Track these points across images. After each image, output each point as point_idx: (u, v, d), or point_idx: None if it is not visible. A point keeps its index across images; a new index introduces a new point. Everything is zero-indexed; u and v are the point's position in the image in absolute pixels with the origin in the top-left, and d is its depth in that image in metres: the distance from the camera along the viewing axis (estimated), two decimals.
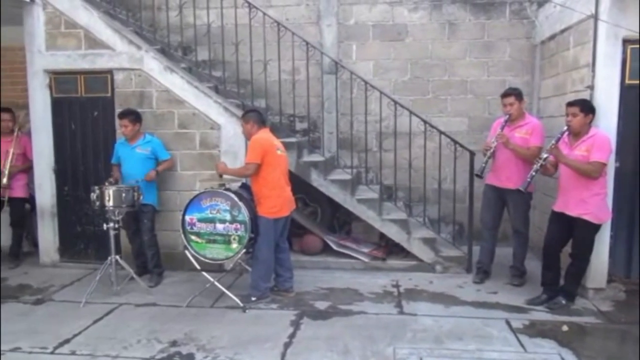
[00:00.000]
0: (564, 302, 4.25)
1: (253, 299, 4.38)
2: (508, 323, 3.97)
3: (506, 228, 5.32)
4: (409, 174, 5.46)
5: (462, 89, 6.21)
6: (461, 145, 5.22)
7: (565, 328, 3.86)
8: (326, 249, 5.57)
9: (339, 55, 6.11)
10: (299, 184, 5.13)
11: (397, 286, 4.85)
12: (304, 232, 5.65)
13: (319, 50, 5.62)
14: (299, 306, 4.35)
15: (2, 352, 3.54)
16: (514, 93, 4.71)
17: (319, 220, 5.95)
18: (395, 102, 5.27)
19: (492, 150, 4.69)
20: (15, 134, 5.53)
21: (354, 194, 5.36)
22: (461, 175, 5.40)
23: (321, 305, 4.38)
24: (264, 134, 4.35)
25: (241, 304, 4.27)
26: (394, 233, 5.28)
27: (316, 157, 5.51)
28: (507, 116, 4.70)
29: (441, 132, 5.27)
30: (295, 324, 3.98)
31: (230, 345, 3.64)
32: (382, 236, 5.57)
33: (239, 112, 5.11)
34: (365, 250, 5.44)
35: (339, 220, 6.08)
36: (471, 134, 6.13)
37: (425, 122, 5.28)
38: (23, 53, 5.58)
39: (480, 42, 6.15)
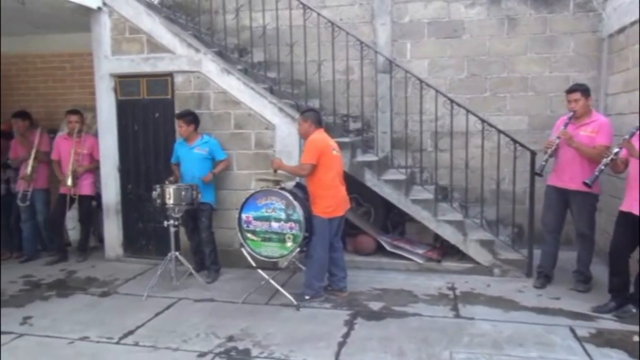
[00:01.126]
0: (634, 310, 4.00)
1: (307, 297, 4.41)
2: (572, 331, 3.78)
3: (569, 231, 5.08)
4: (466, 174, 5.32)
5: (522, 86, 5.98)
6: (521, 145, 5.02)
7: (636, 339, 3.63)
8: (379, 250, 5.53)
9: (393, 54, 6.05)
10: (352, 184, 5.11)
11: (452, 289, 4.74)
12: (358, 232, 5.63)
13: (373, 49, 5.58)
14: (352, 306, 4.34)
15: (72, 340, 3.75)
16: (580, 89, 4.48)
17: (372, 221, 5.91)
18: (452, 101, 5.15)
19: (553, 149, 4.49)
20: (82, 135, 5.83)
21: (408, 194, 5.29)
22: (521, 176, 5.21)
23: (375, 305, 4.35)
24: (320, 135, 4.37)
25: (295, 302, 4.31)
26: (449, 234, 5.17)
27: (370, 157, 5.48)
28: (572, 113, 4.49)
29: (500, 131, 5.10)
30: (349, 324, 3.97)
31: (285, 343, 3.68)
32: (437, 237, 5.46)
33: (294, 113, 5.18)
34: (420, 251, 5.35)
35: (393, 221, 6.01)
36: (532, 133, 5.89)
37: (483, 120, 5.13)
38: (91, 58, 5.90)
39: (542, 37, 5.90)
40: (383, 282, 4.92)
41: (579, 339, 3.64)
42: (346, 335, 3.78)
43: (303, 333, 3.83)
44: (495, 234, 5.24)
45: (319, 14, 5.37)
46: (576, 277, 4.67)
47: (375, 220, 5.92)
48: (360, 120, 5.97)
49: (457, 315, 4.13)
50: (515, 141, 5.03)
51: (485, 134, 5.14)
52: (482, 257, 5.09)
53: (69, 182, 5.61)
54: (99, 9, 5.50)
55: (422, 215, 5.22)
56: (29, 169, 5.76)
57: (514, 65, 5.98)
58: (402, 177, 5.33)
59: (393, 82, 5.57)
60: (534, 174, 4.80)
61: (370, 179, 5.29)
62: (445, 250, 5.42)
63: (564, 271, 4.86)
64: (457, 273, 5.14)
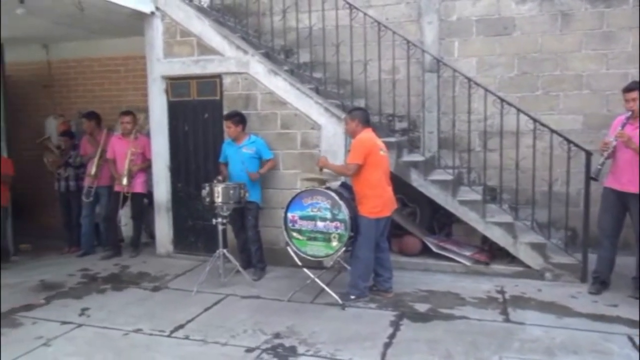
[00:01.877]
0: None
1: (352, 297, 4.41)
2: (631, 340, 3.61)
3: (628, 235, 4.84)
4: (516, 175, 5.17)
5: (576, 84, 5.76)
6: (575, 145, 4.84)
7: None
8: (425, 251, 5.46)
9: (440, 53, 5.96)
10: (398, 184, 5.06)
11: (502, 292, 4.62)
12: (403, 232, 5.58)
13: (420, 48, 5.53)
14: (398, 307, 4.31)
15: (127, 332, 3.91)
16: (639, 88, 4.27)
17: (418, 221, 5.84)
18: (502, 100, 5.02)
19: (610, 150, 4.30)
20: (134, 135, 6.06)
21: (456, 195, 5.20)
22: (575, 177, 5.01)
23: (421, 307, 4.30)
24: (368, 134, 4.36)
25: (341, 302, 4.32)
26: (498, 236, 5.04)
27: (416, 157, 5.42)
28: (630, 113, 4.28)
29: (552, 131, 4.93)
30: (395, 325, 3.95)
31: (331, 341, 3.69)
32: (485, 239, 5.34)
33: (339, 113, 5.19)
34: (467, 253, 5.24)
35: (439, 222, 5.92)
36: (586, 132, 5.66)
37: (534, 120, 4.97)
38: (143, 61, 6.12)
39: (598, 33, 5.66)
40: (429, 284, 4.85)
41: (639, 349, 3.47)
42: (392, 336, 3.75)
43: (348, 332, 3.83)
44: (547, 237, 5.07)
45: (365, 14, 5.36)
46: (636, 284, 4.45)
47: (421, 221, 5.85)
48: (406, 120, 5.92)
49: (507, 320, 4.02)
50: (569, 141, 4.85)
51: (537, 134, 4.98)
52: (533, 260, 4.94)
53: (125, 180, 5.83)
54: (152, 13, 5.70)
55: (469, 216, 5.12)
56: (95, 167, 6.04)
57: (568, 62, 5.77)
58: (449, 177, 5.25)
59: (440, 81, 5.48)
60: (589, 177, 4.61)
61: (416, 179, 5.23)
62: (494, 252, 5.29)
63: (621, 277, 4.65)
64: (506, 276, 5.00)
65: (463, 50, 6.03)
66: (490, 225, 5.06)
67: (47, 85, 7.64)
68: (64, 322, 4.10)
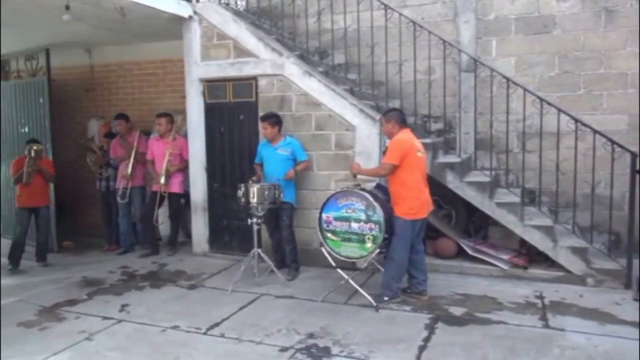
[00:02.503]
0: None
1: (385, 298, 4.38)
2: None
3: None
4: (556, 176, 5.02)
5: (621, 82, 5.55)
6: (620, 146, 4.67)
7: None
8: (460, 253, 5.38)
9: (477, 53, 5.85)
10: (433, 186, 4.96)
11: (540, 297, 4.49)
12: (438, 234, 5.50)
13: (456, 48, 5.45)
14: (433, 310, 4.26)
15: (165, 329, 4.00)
16: None
17: (453, 223, 5.76)
18: (541, 100, 4.89)
19: None
20: (172, 136, 6.19)
21: (493, 197, 5.10)
22: (619, 179, 4.84)
23: (456, 311, 4.23)
24: (405, 135, 4.33)
25: (374, 303, 4.30)
26: (537, 240, 4.91)
27: (452, 158, 5.35)
28: None
29: (595, 131, 4.77)
30: (430, 328, 3.90)
31: (364, 343, 3.68)
32: (523, 243, 5.21)
33: (374, 114, 5.18)
34: (504, 256, 5.13)
35: (475, 224, 5.81)
36: (632, 133, 5.45)
37: (576, 120, 4.82)
38: (181, 64, 6.26)
39: None
40: (464, 287, 4.77)
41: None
42: (427, 339, 3.71)
43: (383, 334, 3.81)
44: (588, 241, 4.90)
45: (400, 14, 5.33)
46: None
47: (457, 223, 5.76)
48: (441, 120, 5.85)
49: (546, 326, 3.91)
50: (613, 142, 4.68)
51: (579, 135, 4.83)
52: (574, 265, 4.79)
53: (162, 180, 5.96)
54: (190, 17, 5.82)
55: (507, 219, 5.01)
56: (130, 168, 6.21)
57: (612, 60, 5.57)
58: (486, 179, 5.15)
59: (477, 81, 5.39)
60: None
61: (452, 181, 5.16)
62: (532, 256, 5.16)
63: None
64: (545, 281, 4.86)
65: (501, 49, 5.91)
66: (529, 228, 4.94)
67: (89, 88, 7.91)
68: (105, 318, 4.23)
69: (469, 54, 5.51)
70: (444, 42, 5.22)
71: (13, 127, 7.23)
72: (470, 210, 5.54)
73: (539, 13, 5.76)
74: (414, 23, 5.28)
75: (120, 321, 4.17)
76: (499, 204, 5.03)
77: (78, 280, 5.30)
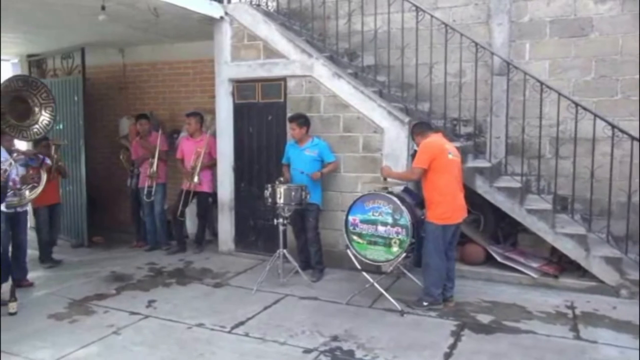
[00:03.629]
0: None
1: (425, 304, 4.32)
2: None
3: None
4: (590, 184, 4.88)
5: None
6: None
7: None
8: (488, 260, 5.28)
9: (510, 56, 5.73)
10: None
11: (571, 308, 4.37)
12: (466, 240, 5.41)
13: (489, 50, 5.35)
14: (459, 317, 4.19)
15: (190, 326, 4.04)
16: None
17: (481, 229, 5.65)
18: (577, 104, 4.76)
19: None
20: (202, 135, 6.26)
21: (523, 204, 4.98)
22: None
23: (484, 318, 4.15)
24: (434, 138, 4.28)
25: (399, 308, 4.25)
26: (569, 249, 4.78)
27: (482, 163, 5.25)
28: None
29: (633, 138, 4.61)
30: (456, 335, 3.83)
31: (389, 347, 3.64)
32: (554, 251, 5.08)
33: (403, 116, 5.13)
34: (534, 265, 5.01)
35: (504, 231, 5.69)
36: None
37: (613, 126, 4.68)
38: (211, 64, 6.33)
39: None
40: (492, 295, 4.68)
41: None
42: (453, 347, 3.65)
43: (408, 339, 3.77)
44: (623, 251, 4.74)
45: (432, 16, 5.26)
46: None
47: (485, 229, 5.65)
48: (471, 124, 5.75)
49: (577, 337, 3.80)
50: None
51: (615, 141, 4.68)
52: (607, 275, 4.64)
53: (195, 179, 6.01)
54: (222, 18, 5.88)
55: (538, 226, 4.89)
56: (155, 167, 6.30)
57: None
58: (517, 184, 5.04)
59: (509, 85, 5.28)
60: None
61: (481, 186, 5.07)
62: (564, 265, 5.02)
63: None
64: (576, 291, 4.73)
65: (535, 52, 5.78)
66: (561, 236, 4.81)
67: (122, 87, 8.07)
68: (132, 313, 4.30)
69: (501, 56, 5.40)
70: (476, 44, 5.14)
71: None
72: (500, 216, 5.42)
73: (575, 15, 5.61)
74: (446, 25, 5.21)
75: (147, 317, 4.23)
76: (530, 211, 4.91)
77: (107, 275, 5.41)
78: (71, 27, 6.23)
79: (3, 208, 4.32)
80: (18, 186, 4.82)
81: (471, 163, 5.25)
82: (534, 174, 5.37)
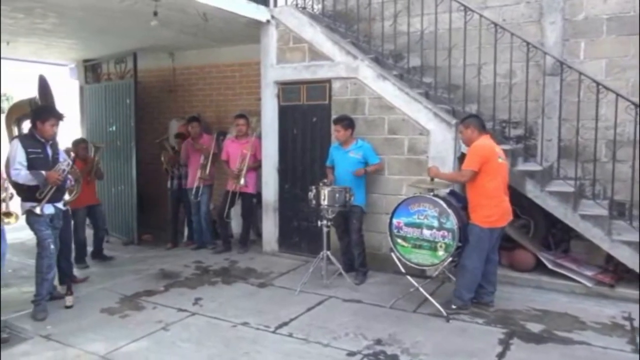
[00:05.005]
0: None
1: (453, 307, 4.25)
2: None
3: None
4: None
5: None
6: None
7: None
8: (538, 267, 5.09)
9: (564, 55, 5.52)
10: (510, 194, 4.75)
11: (629, 319, 4.15)
12: (514, 245, 5.24)
13: (541, 50, 5.16)
14: (507, 324, 4.06)
15: (235, 324, 4.10)
16: None
17: (531, 235, 5.46)
18: (636, 105, 4.52)
19: None
20: (248, 137, 6.35)
21: (577, 209, 4.78)
22: None
23: (534, 327, 4.00)
24: (486, 141, 4.18)
25: (445, 314, 4.17)
26: (626, 257, 4.54)
27: (532, 166, 5.08)
28: None
29: None
30: (505, 343, 3.72)
31: (434, 353, 3.58)
32: (610, 259, 4.84)
33: (449, 118, 5.03)
34: (588, 273, 4.79)
35: (555, 237, 5.48)
36: None
37: None
38: (257, 67, 6.43)
39: None
40: (543, 303, 4.51)
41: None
42: (501, 355, 3.54)
43: (453, 346, 3.69)
44: None
45: (481, 15, 5.14)
46: None
47: (535, 235, 5.46)
48: (521, 126, 5.58)
49: (636, 351, 3.60)
50: None
51: None
52: None
53: (242, 181, 6.10)
54: (268, 21, 5.96)
55: (592, 233, 4.68)
56: (208, 168, 6.44)
57: None
58: (570, 189, 4.84)
59: (563, 85, 5.08)
60: None
61: (532, 190, 4.90)
62: (620, 274, 4.78)
63: None
64: (634, 302, 4.47)
65: (590, 51, 5.54)
66: (617, 243, 4.58)
67: (171, 90, 8.32)
68: (179, 310, 4.41)
69: (554, 56, 5.20)
70: (528, 44, 4.97)
71: (102, 126, 7.75)
72: (551, 221, 5.23)
73: (634, 12, 5.33)
74: (496, 25, 5.07)
75: (194, 314, 4.33)
76: (584, 216, 4.71)
77: (156, 272, 5.58)
78: (125, 32, 6.48)
79: (61, 206, 4.52)
80: (73, 184, 5.03)
81: (521, 166, 5.09)
82: (589, 178, 5.14)
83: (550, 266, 4.96)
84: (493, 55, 5.11)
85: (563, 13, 5.61)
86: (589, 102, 4.91)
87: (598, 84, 4.71)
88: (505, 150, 4.85)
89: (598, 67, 5.46)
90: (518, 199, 5.02)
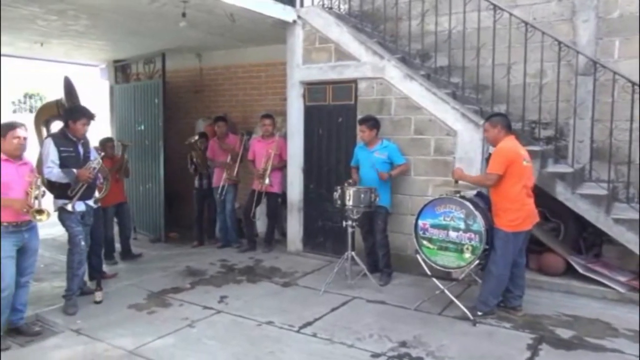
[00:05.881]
0: None
1: (479, 313, 4.16)
2: None
3: None
4: None
5: None
6: None
7: None
8: (568, 271, 4.97)
9: (597, 54, 5.37)
10: (539, 196, 4.65)
11: None
12: (543, 249, 5.13)
13: (573, 49, 5.04)
14: (535, 330, 3.97)
15: (260, 323, 4.13)
16: None
17: (561, 238, 5.34)
18: None
19: None
20: (273, 137, 6.38)
21: (610, 212, 4.65)
22: None
23: (563, 333, 3.91)
24: (511, 142, 4.09)
25: (472, 317, 4.10)
26: None
27: (563, 168, 4.96)
28: None
29: None
30: (533, 349, 3.64)
31: (460, 357, 3.53)
32: None
33: (477, 119, 4.96)
34: (621, 278, 4.65)
35: (587, 241, 5.34)
36: None
37: None
38: (282, 67, 6.45)
39: None
40: (573, 308, 4.40)
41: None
42: None
43: (480, 350, 3.63)
44: None
45: (510, 14, 5.04)
46: None
47: (565, 238, 5.33)
48: (552, 127, 5.45)
49: None
50: None
51: None
52: None
53: (267, 181, 6.14)
54: (294, 22, 5.98)
55: (626, 237, 4.53)
56: (236, 168, 6.49)
57: None
58: (603, 192, 4.71)
59: (595, 85, 4.95)
60: None
61: (562, 192, 4.78)
62: None
63: None
64: None
65: (625, 50, 5.37)
66: None
67: (198, 90, 8.42)
68: (205, 307, 4.46)
69: (587, 55, 5.07)
70: (559, 43, 4.86)
71: (131, 125, 7.90)
72: (582, 225, 5.10)
73: None
74: (526, 23, 4.97)
75: (219, 312, 4.37)
76: (617, 220, 4.57)
77: (182, 269, 5.65)
78: (154, 33, 6.59)
79: (92, 204, 4.62)
80: (102, 182, 5.14)
81: (551, 168, 4.98)
82: (622, 181, 5.00)
83: (581, 271, 4.83)
84: (523, 54, 5.01)
85: (597, 11, 5.46)
86: (623, 102, 4.77)
87: (633, 84, 4.57)
88: (534, 152, 4.78)
89: (633, 67, 5.26)
90: (547, 201, 4.91)
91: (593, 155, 5.09)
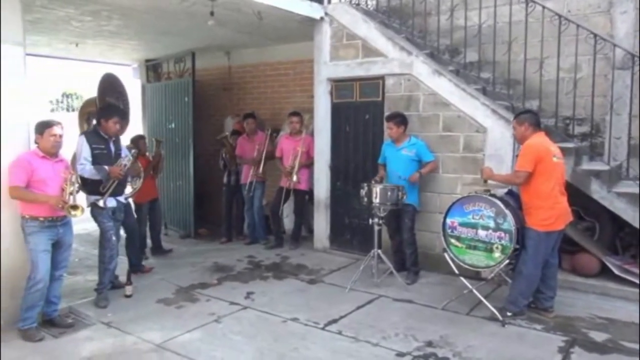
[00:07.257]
0: None
1: (508, 314, 4.07)
2: None
3: None
4: None
5: None
6: None
7: None
8: (603, 272, 4.80)
9: (635, 48, 5.15)
10: (573, 195, 4.51)
11: None
12: (577, 249, 4.97)
13: (610, 42, 4.86)
14: (568, 332, 3.85)
15: (285, 320, 4.15)
16: None
17: (596, 238, 5.16)
18: None
19: None
20: (302, 134, 6.39)
21: None
22: None
23: (597, 336, 3.78)
24: (539, 139, 3.98)
25: (501, 318, 4.01)
26: None
27: (598, 166, 4.79)
28: None
29: None
30: (565, 352, 3.53)
31: (488, 359, 3.45)
32: None
33: (508, 115, 4.84)
34: None
35: (623, 241, 5.14)
36: None
37: None
38: (310, 65, 6.44)
39: None
40: (608, 311, 4.25)
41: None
42: None
43: (509, 352, 3.55)
44: None
45: (544, 7, 4.90)
46: None
47: (600, 238, 5.14)
48: (587, 123, 5.27)
49: None
50: None
51: None
52: None
53: (295, 178, 6.15)
54: (321, 19, 5.96)
55: None
56: (262, 166, 6.54)
57: None
58: None
59: (634, 80, 4.75)
60: None
61: (597, 191, 4.62)
62: None
63: None
64: None
65: None
66: None
67: (226, 88, 8.51)
68: (232, 303, 4.51)
69: (625, 49, 4.88)
70: (595, 36, 4.69)
71: (162, 123, 8.04)
72: (618, 224, 4.92)
73: None
74: (560, 16, 4.82)
75: (245, 308, 4.41)
76: None
77: (210, 265, 5.73)
78: (184, 33, 6.69)
79: (123, 200, 4.73)
80: (130, 179, 5.24)
81: (586, 165, 4.82)
82: None
83: (616, 272, 4.66)
84: (556, 48, 4.86)
85: (635, 2, 5.24)
86: None
87: None
88: (567, 149, 4.64)
89: None
90: (582, 199, 4.75)
91: (630, 152, 4.89)
